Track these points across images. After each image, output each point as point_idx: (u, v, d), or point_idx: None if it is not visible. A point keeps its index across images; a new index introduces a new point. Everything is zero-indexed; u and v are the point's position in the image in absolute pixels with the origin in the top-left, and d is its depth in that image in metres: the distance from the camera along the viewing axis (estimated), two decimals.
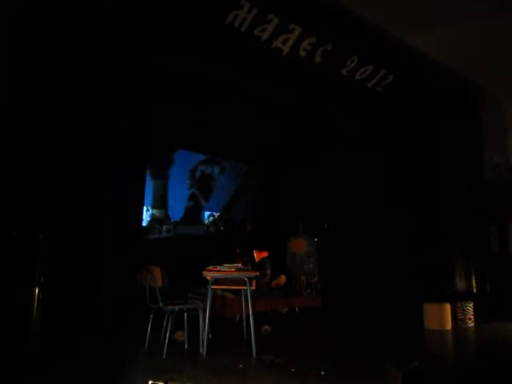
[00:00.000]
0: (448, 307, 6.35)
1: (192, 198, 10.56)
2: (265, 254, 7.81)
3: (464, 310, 6.58)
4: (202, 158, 10.61)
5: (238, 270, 5.00)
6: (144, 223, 8.92)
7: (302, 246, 8.47)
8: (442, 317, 6.29)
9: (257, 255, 7.72)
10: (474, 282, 7.16)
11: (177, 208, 10.14)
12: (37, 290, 3.72)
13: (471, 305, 6.65)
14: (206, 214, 10.27)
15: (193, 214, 10.23)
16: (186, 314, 4.84)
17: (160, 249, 7.65)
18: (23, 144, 3.91)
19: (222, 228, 9.88)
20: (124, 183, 4.69)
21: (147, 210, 9.87)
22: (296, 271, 8.30)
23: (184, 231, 9.26)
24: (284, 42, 5.43)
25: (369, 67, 6.15)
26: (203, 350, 4.69)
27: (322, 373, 3.93)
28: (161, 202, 9.99)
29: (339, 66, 6.00)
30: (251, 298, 4.93)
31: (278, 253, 8.14)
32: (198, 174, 10.75)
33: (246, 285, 4.87)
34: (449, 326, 6.29)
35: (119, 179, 4.64)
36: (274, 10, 5.07)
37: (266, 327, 5.96)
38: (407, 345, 5.26)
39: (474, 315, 6.62)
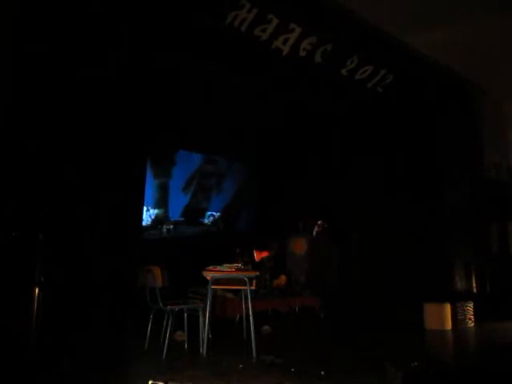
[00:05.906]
0: (448, 307, 6.35)
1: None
2: (265, 254, 7.81)
3: (464, 310, 6.58)
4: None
5: (237, 270, 4.99)
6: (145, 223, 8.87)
7: (302, 246, 8.46)
8: (441, 317, 6.29)
9: (257, 255, 7.73)
10: (473, 282, 7.16)
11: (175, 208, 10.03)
12: (37, 290, 3.72)
13: (471, 305, 6.65)
14: (207, 213, 10.21)
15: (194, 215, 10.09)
16: (185, 314, 4.83)
17: (160, 249, 7.64)
18: (23, 144, 3.92)
19: (222, 228, 9.86)
20: (124, 183, 4.70)
21: (147, 210, 9.85)
22: (296, 271, 8.30)
23: (184, 231, 9.23)
24: (284, 42, 5.43)
25: (369, 67, 6.16)
26: (203, 350, 4.68)
27: (322, 373, 3.92)
28: (161, 202, 9.91)
29: (339, 65, 6.00)
30: (251, 298, 4.92)
31: (278, 253, 8.14)
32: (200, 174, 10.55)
33: (246, 285, 4.87)
34: (449, 326, 6.29)
35: (119, 179, 4.65)
36: (274, 10, 5.07)
37: (266, 327, 5.95)
38: (407, 345, 5.25)
39: (474, 315, 6.63)
